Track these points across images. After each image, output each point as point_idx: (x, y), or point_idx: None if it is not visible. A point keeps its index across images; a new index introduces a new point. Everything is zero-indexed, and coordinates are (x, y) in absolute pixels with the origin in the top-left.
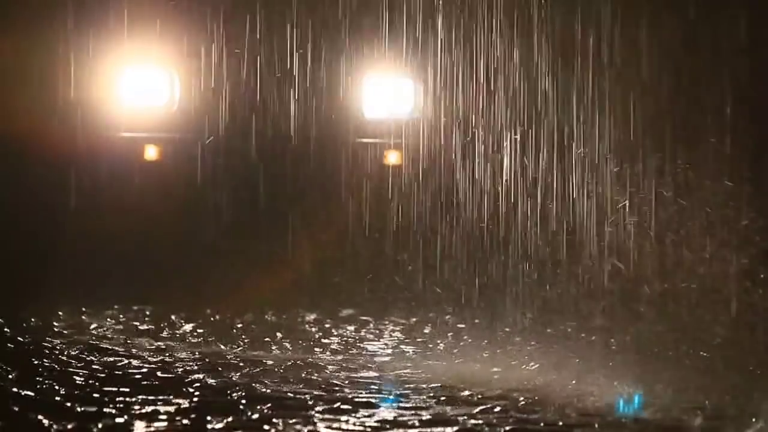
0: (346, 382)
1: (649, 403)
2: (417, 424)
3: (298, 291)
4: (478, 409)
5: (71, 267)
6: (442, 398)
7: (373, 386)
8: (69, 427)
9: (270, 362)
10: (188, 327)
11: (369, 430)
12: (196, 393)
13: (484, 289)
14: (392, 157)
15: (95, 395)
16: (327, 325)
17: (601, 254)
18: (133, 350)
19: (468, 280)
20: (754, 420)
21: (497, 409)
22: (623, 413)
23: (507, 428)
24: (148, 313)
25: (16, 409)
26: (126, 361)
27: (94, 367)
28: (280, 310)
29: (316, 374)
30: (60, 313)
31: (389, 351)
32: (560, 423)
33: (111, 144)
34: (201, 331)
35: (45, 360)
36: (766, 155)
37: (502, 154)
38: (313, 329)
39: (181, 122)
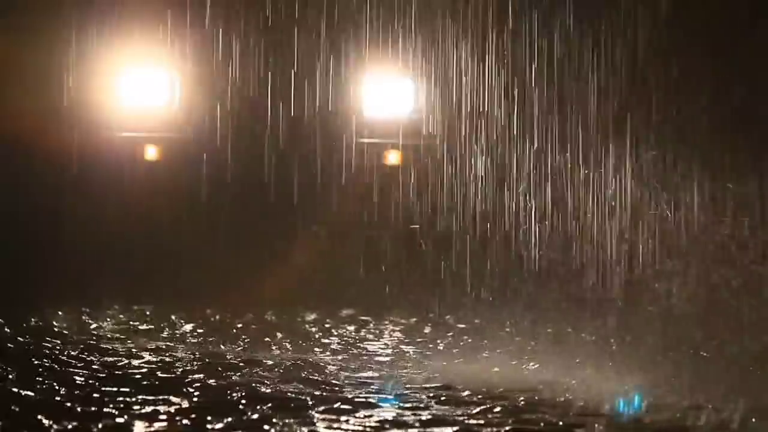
0: (346, 382)
1: (649, 403)
2: (417, 424)
3: (298, 291)
4: (478, 409)
5: (71, 267)
6: (442, 398)
7: (373, 386)
8: (69, 427)
9: (270, 362)
10: (188, 327)
11: (369, 430)
12: (196, 393)
13: (484, 288)
14: (392, 157)
15: (95, 395)
16: (327, 325)
17: (602, 254)
18: (133, 350)
19: (468, 279)
20: (754, 420)
21: (497, 409)
22: (623, 413)
23: (507, 428)
24: (148, 313)
25: (16, 409)
26: (126, 361)
27: (94, 367)
28: (280, 310)
29: (316, 374)
30: (60, 313)
31: (389, 351)
32: (560, 423)
33: (111, 144)
34: (201, 331)
35: (45, 360)
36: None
37: (503, 152)
38: (313, 329)
39: (181, 122)
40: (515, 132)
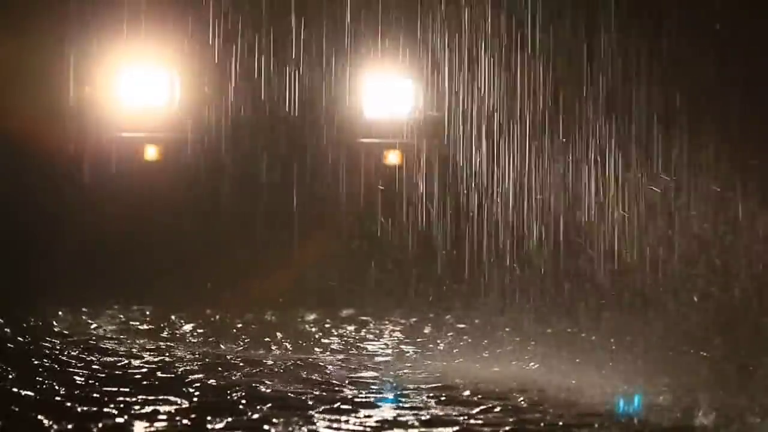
0: (346, 382)
1: (649, 403)
2: (417, 424)
3: (298, 291)
4: (478, 409)
5: (71, 267)
6: (442, 398)
7: (373, 386)
8: (69, 427)
9: (270, 362)
10: (188, 327)
11: (369, 430)
12: (196, 393)
13: (484, 288)
14: (392, 157)
15: (95, 395)
16: (327, 325)
17: (601, 254)
18: (133, 350)
19: (467, 279)
20: (754, 420)
21: (497, 409)
22: (623, 413)
23: (507, 428)
24: (148, 313)
25: (16, 409)
26: (126, 361)
27: (94, 367)
28: (280, 310)
29: (316, 374)
30: (60, 313)
31: (389, 351)
32: (560, 423)
33: (111, 144)
34: (201, 331)
35: (45, 360)
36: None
37: (501, 152)
38: (313, 329)
39: (181, 122)
40: (515, 131)
